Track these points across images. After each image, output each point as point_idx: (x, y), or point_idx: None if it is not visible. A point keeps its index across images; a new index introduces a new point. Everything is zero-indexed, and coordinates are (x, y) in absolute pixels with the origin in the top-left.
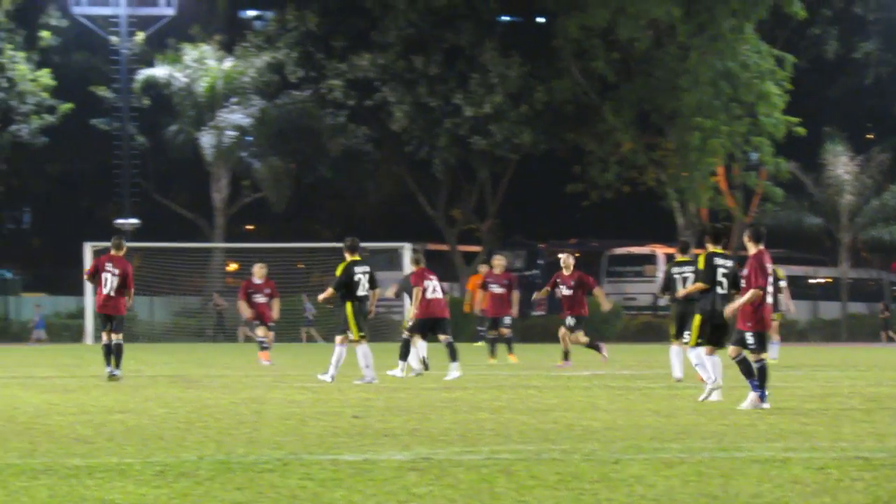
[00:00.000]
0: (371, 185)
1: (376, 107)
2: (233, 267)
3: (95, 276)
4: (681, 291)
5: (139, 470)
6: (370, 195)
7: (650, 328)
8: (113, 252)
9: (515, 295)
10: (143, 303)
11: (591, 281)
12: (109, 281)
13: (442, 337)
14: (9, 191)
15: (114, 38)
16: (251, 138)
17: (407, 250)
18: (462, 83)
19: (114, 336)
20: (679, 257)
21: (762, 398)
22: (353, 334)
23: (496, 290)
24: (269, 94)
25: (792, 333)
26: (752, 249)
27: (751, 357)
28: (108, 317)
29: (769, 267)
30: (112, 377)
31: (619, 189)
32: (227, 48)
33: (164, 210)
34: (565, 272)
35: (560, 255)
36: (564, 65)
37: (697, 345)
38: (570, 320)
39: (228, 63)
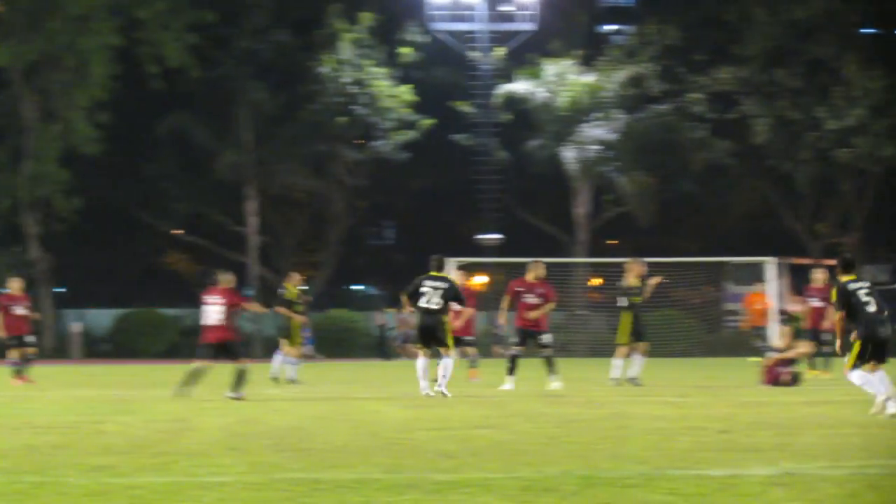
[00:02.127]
0: (733, 200)
1: (737, 120)
2: (596, 281)
3: None
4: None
5: (504, 485)
6: (732, 209)
7: None
8: None
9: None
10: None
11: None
12: None
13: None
14: (373, 206)
15: (474, 54)
16: (612, 153)
17: (770, 265)
18: (824, 96)
19: None
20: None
21: None
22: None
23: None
24: (630, 108)
25: None
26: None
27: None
28: None
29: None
30: None
31: None
32: (587, 63)
33: (525, 225)
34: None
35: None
36: None
37: (855, 367)
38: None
39: (589, 77)
